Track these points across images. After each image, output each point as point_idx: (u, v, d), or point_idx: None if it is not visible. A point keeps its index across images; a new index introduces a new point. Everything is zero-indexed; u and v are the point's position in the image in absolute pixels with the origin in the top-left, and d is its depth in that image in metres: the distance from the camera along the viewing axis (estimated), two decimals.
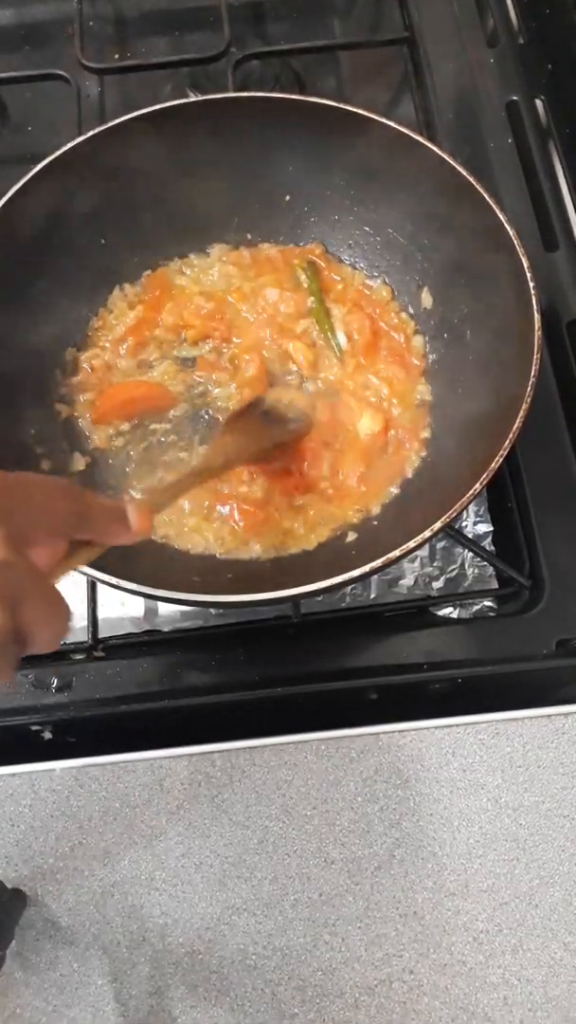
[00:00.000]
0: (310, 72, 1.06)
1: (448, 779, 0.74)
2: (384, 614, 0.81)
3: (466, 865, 0.71)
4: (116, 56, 1.07)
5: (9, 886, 0.70)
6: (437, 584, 0.83)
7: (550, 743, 0.74)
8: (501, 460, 0.63)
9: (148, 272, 0.85)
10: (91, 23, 1.06)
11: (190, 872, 0.71)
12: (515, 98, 0.99)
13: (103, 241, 0.82)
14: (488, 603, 0.83)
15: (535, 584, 0.78)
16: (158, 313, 0.84)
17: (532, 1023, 0.69)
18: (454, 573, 0.83)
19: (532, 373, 0.65)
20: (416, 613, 0.81)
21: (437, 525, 0.61)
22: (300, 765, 0.74)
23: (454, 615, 0.82)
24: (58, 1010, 0.68)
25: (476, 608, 0.83)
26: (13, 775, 0.73)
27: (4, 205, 0.71)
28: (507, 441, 0.63)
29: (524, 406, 0.64)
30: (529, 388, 0.64)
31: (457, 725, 0.75)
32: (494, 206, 0.71)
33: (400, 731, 0.75)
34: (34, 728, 0.73)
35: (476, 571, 0.84)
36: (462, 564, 0.83)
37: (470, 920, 0.70)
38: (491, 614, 0.82)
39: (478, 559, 0.83)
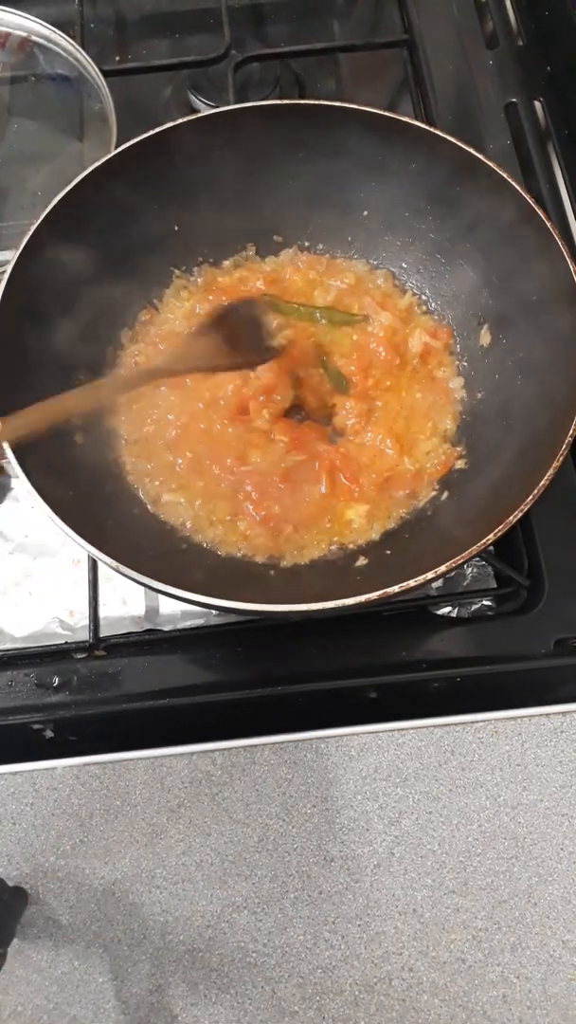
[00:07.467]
0: (310, 74, 1.07)
1: (447, 777, 0.74)
2: (383, 613, 0.81)
3: (465, 863, 0.72)
4: (117, 58, 1.07)
5: (10, 884, 0.70)
6: (436, 583, 0.83)
7: (548, 742, 0.75)
8: (520, 515, 0.62)
9: (207, 267, 0.84)
10: (92, 25, 1.07)
11: (191, 870, 0.71)
12: (514, 100, 0.99)
13: (176, 228, 0.82)
14: (487, 602, 0.83)
15: (534, 584, 0.79)
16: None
17: (531, 1020, 0.69)
18: (453, 573, 0.84)
19: (566, 442, 0.63)
20: (415, 612, 0.82)
21: (442, 568, 0.61)
22: (300, 763, 0.74)
23: (453, 614, 0.82)
24: (59, 1007, 0.68)
25: (475, 608, 0.83)
26: (15, 773, 0.73)
27: (72, 189, 0.71)
28: (530, 496, 0.62)
29: (550, 472, 0.63)
30: (560, 456, 0.63)
31: (456, 724, 0.75)
32: (568, 259, 0.68)
33: (399, 730, 0.75)
34: (36, 727, 0.74)
35: (475, 571, 0.84)
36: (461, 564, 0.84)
37: (469, 918, 0.71)
38: (490, 613, 0.82)
39: (477, 559, 0.83)
